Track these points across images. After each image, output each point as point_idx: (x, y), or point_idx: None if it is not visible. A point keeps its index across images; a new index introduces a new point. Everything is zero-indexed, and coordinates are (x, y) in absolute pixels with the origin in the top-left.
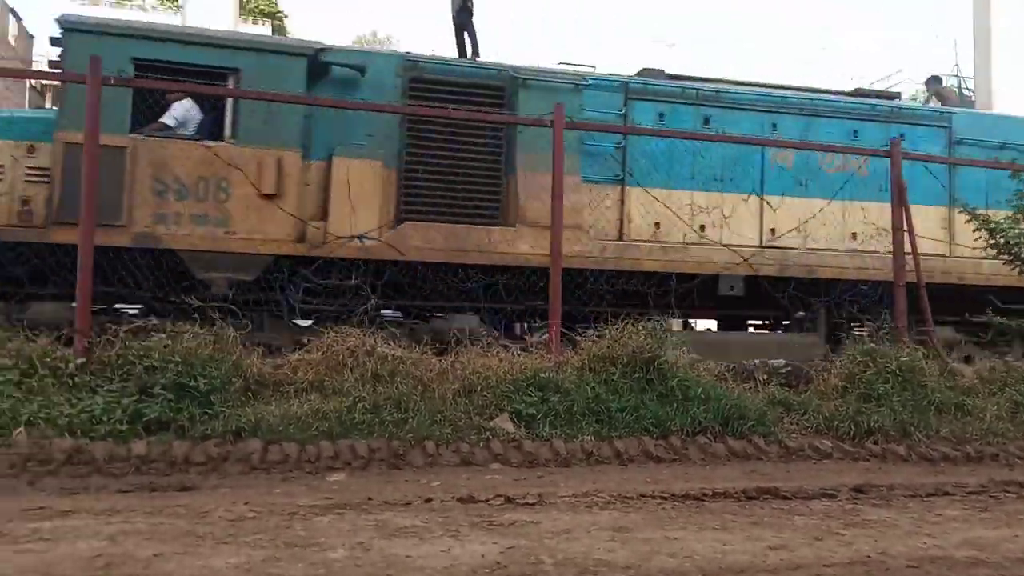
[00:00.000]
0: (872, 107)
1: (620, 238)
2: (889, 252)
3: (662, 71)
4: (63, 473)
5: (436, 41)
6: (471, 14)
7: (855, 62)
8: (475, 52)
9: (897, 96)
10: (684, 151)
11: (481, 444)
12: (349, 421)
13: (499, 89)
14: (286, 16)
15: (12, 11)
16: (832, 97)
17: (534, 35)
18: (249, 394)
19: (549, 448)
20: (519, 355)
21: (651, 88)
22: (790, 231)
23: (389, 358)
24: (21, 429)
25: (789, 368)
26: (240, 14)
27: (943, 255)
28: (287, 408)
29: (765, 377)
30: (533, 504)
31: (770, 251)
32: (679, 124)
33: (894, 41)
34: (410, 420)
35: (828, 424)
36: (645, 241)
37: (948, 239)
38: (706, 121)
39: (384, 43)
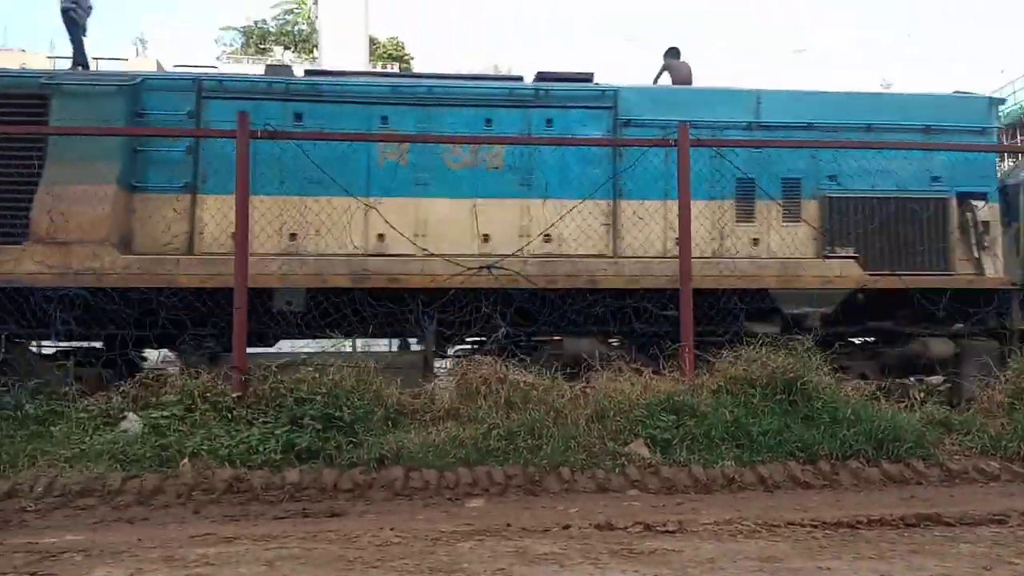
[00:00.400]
0: (510, 91)
1: (191, 251)
2: (538, 255)
3: (289, 67)
4: (225, 501)
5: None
6: (73, 23)
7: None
8: (77, 62)
9: (588, 78)
10: (268, 153)
11: (617, 470)
12: (485, 448)
13: (39, 97)
14: (412, 58)
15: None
16: (455, 83)
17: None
18: (389, 422)
19: (687, 474)
20: (651, 378)
21: (228, 85)
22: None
23: (521, 385)
24: (186, 460)
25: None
26: (370, 59)
27: (603, 255)
28: (426, 436)
29: (921, 395)
30: (674, 532)
31: (341, 259)
32: (264, 122)
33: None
34: (544, 446)
35: (994, 444)
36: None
37: (612, 237)
38: (298, 117)
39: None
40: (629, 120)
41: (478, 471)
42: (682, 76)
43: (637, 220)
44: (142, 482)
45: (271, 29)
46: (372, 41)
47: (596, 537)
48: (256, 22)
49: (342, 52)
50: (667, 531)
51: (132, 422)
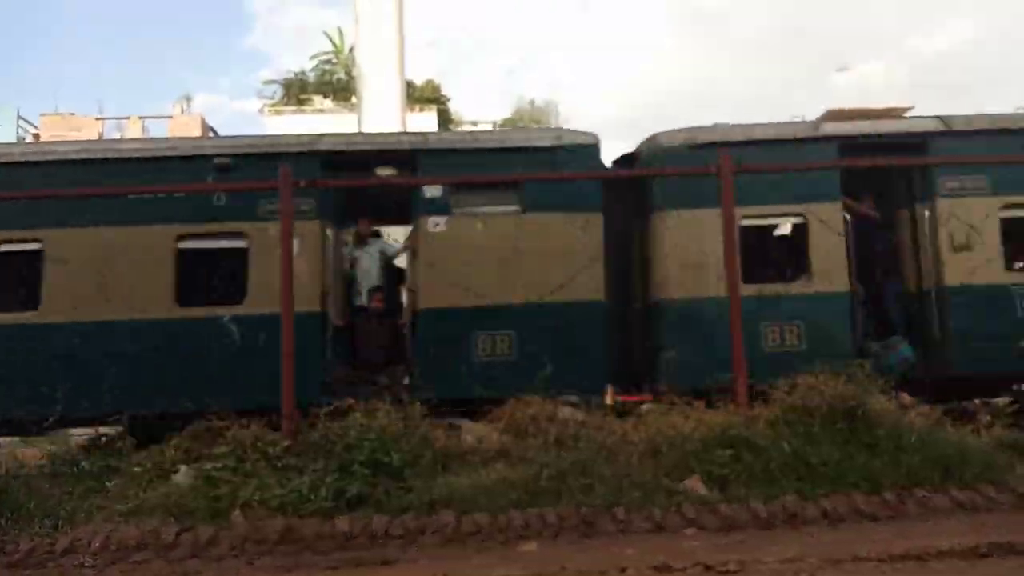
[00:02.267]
0: None
1: None
2: None
3: None
4: (277, 551)
5: (593, 106)
6: None
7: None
8: None
9: None
10: None
11: (673, 508)
12: (536, 489)
13: None
14: (448, 99)
15: (212, 129)
16: None
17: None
18: (439, 466)
19: (747, 510)
20: (705, 412)
21: None
22: None
23: (571, 423)
24: (238, 511)
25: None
26: (407, 103)
27: None
28: (476, 478)
29: (989, 418)
30: (735, 572)
31: None
32: None
33: None
34: (596, 486)
35: None
36: None
37: None
38: None
39: (543, 111)
40: None
41: (530, 513)
42: None
43: None
44: (196, 535)
45: (310, 79)
46: (409, 85)
47: None
48: (296, 73)
49: (381, 98)
50: (728, 571)
51: (184, 475)
